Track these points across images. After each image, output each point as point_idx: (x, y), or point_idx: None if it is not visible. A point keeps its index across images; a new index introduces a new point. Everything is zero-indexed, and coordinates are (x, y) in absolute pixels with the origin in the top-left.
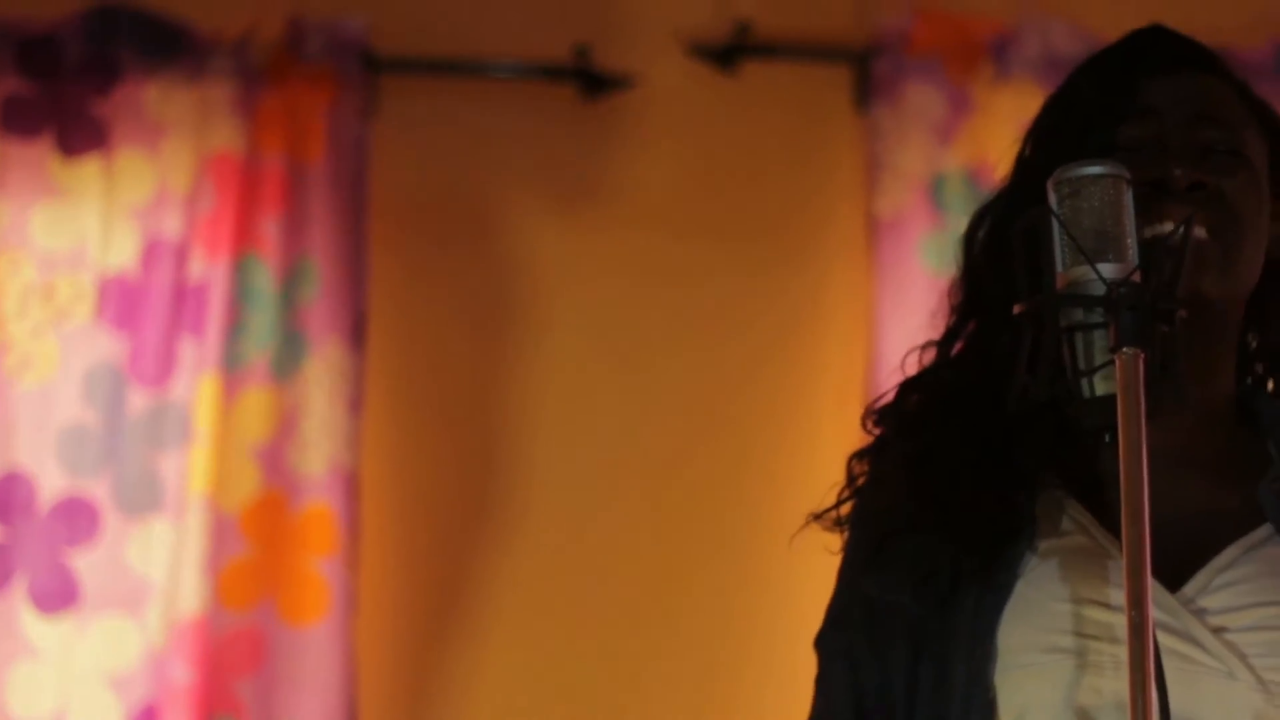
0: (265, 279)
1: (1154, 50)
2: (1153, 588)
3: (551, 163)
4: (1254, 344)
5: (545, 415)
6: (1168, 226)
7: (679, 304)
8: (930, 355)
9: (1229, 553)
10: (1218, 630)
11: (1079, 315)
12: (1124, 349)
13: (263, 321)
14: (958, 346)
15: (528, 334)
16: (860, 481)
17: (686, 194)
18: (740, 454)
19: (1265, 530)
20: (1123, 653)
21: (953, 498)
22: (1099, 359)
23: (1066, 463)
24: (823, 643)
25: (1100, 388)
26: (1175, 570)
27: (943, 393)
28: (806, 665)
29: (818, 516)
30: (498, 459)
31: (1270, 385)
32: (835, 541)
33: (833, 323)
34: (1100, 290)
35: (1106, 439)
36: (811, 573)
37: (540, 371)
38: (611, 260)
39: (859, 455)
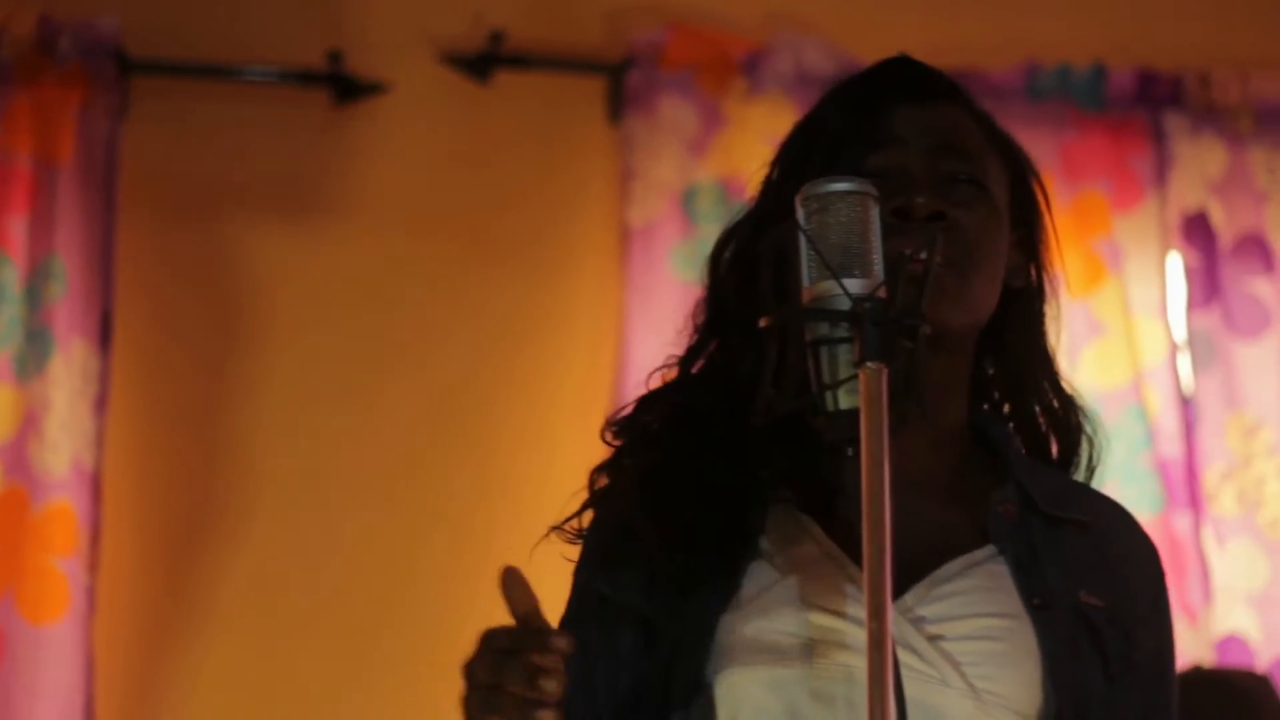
0: (11, 277)
1: (901, 80)
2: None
3: (302, 167)
4: (991, 370)
5: (283, 418)
6: (906, 251)
7: (426, 310)
8: (673, 372)
9: (950, 566)
10: (933, 638)
11: (824, 329)
12: (868, 363)
13: (7, 319)
14: (699, 364)
15: (271, 336)
16: (599, 493)
17: (437, 201)
18: (479, 461)
19: (988, 550)
20: (841, 657)
21: (685, 511)
22: (843, 373)
23: (803, 480)
24: None
25: (844, 401)
26: (898, 581)
27: (681, 408)
28: None
29: (557, 528)
30: (235, 460)
31: (1006, 410)
32: (575, 552)
33: (582, 330)
34: (846, 305)
35: (850, 453)
36: (550, 584)
37: (283, 374)
38: (360, 265)
39: (599, 469)
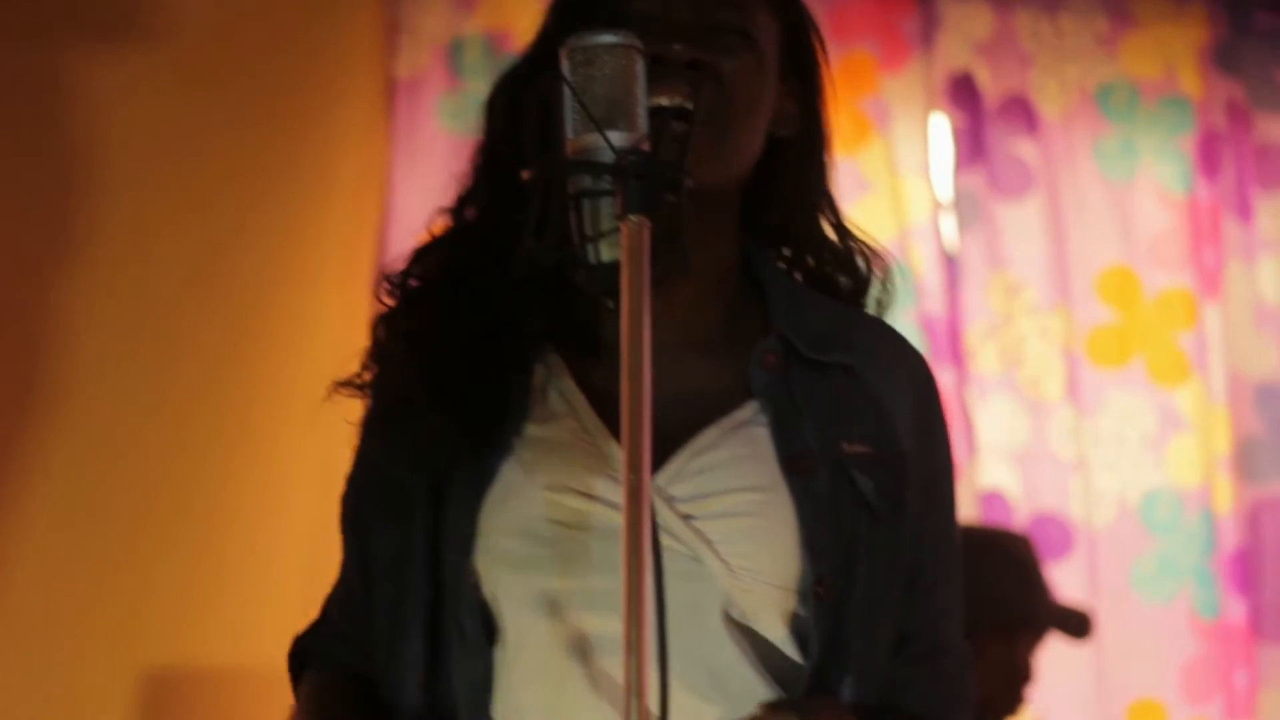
0: None
1: None
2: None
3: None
4: (764, 218)
5: (64, 288)
6: (664, 100)
7: (186, 161)
8: (445, 222)
9: (708, 434)
10: (686, 517)
11: (587, 182)
12: (630, 216)
13: None
14: (471, 214)
15: (50, 195)
16: (374, 352)
17: (200, 49)
18: (245, 318)
19: (750, 409)
20: (594, 542)
21: (451, 375)
22: (605, 226)
23: (569, 332)
24: (342, 510)
25: (606, 254)
26: (657, 453)
27: (453, 262)
28: (328, 535)
29: (341, 385)
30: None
31: (788, 254)
32: (356, 410)
33: (346, 182)
34: (609, 158)
35: (611, 305)
36: (326, 444)
37: (70, 235)
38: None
39: (383, 320)
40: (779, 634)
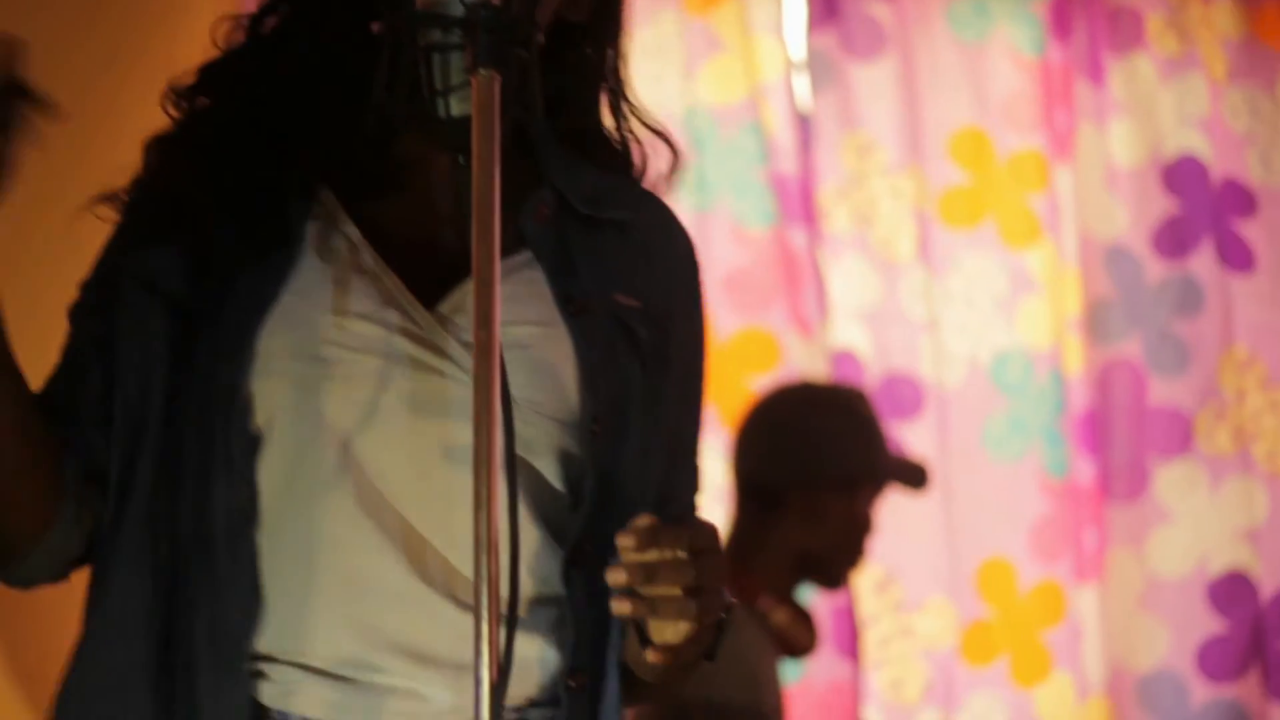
0: None
1: None
2: (408, 302)
3: None
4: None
5: None
6: None
7: None
8: (239, 35)
9: None
10: (468, 345)
11: (437, 35)
12: (480, 70)
13: None
14: (270, 23)
15: None
16: (154, 166)
17: None
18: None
19: (525, 256)
20: (376, 366)
21: (231, 194)
22: (456, 80)
23: (345, 169)
24: (76, 317)
25: (456, 109)
26: (435, 289)
27: (242, 81)
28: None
29: (106, 199)
30: None
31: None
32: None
33: None
34: (459, 11)
35: (461, 161)
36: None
37: None
38: None
39: (157, 141)
40: (554, 473)
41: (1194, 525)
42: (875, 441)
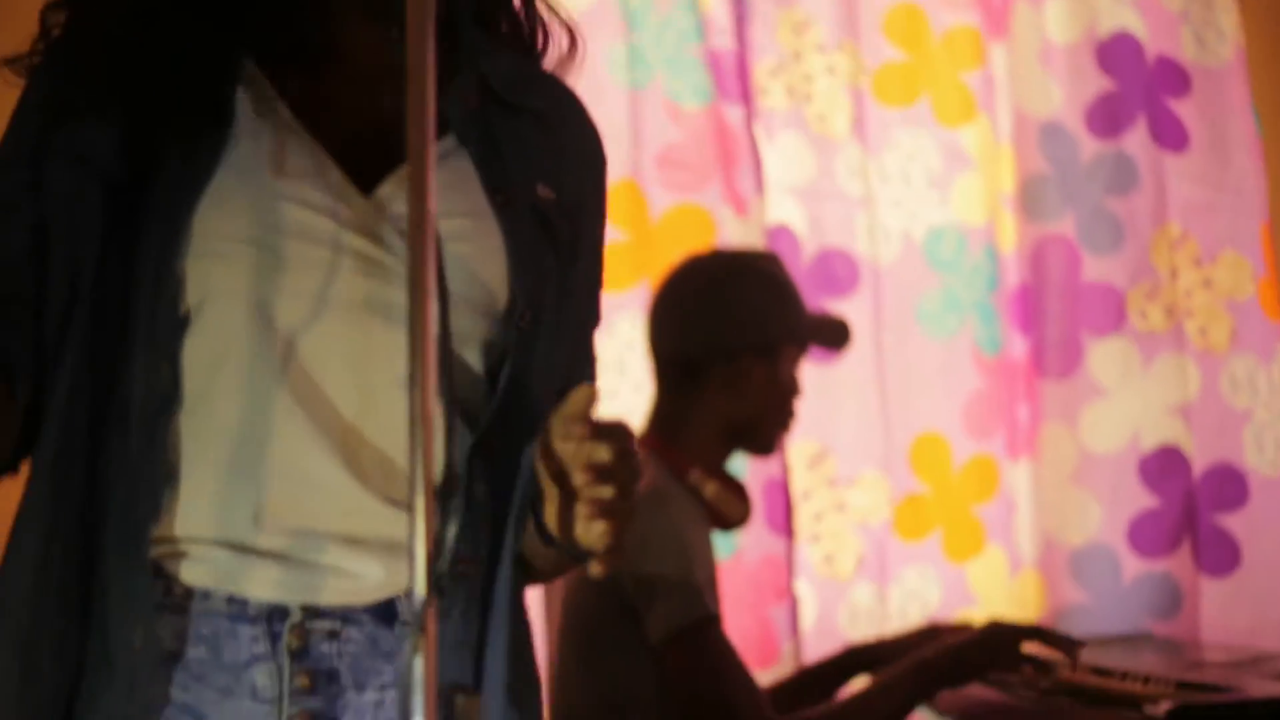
0: None
1: None
2: (346, 190)
3: None
4: None
5: None
6: None
7: None
8: None
9: None
10: (404, 232)
11: None
12: None
13: None
14: None
15: None
16: (56, 33)
17: None
18: None
19: (450, 142)
20: (314, 253)
21: (159, 68)
22: None
23: (267, 42)
24: None
25: None
26: (369, 177)
27: None
28: None
29: (10, 62)
30: None
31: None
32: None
33: None
34: None
35: (395, 33)
36: None
37: None
38: None
39: (56, 5)
40: (477, 362)
41: (1126, 401)
42: (792, 303)
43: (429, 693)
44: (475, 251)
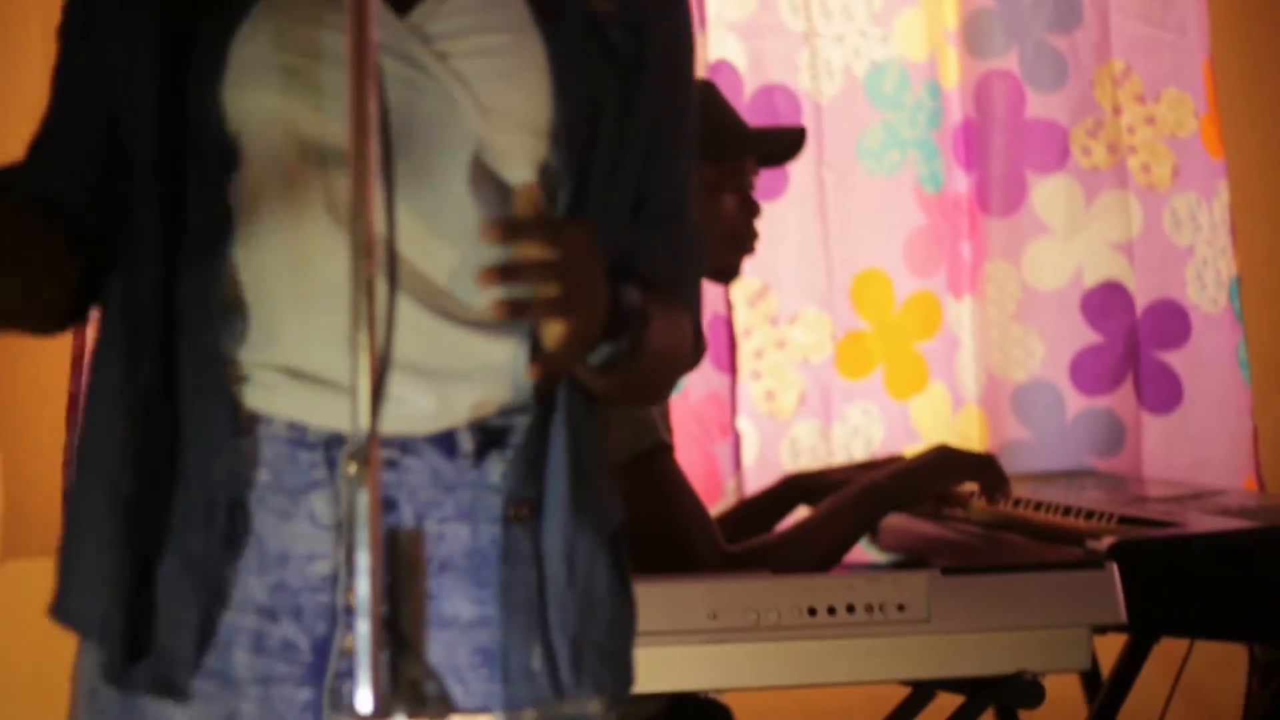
0: None
1: None
2: (379, 11)
3: None
4: None
5: None
6: None
7: None
8: None
9: None
10: (441, 56)
11: None
12: None
13: None
14: None
15: None
16: None
17: None
18: None
19: None
20: (335, 73)
21: None
22: None
23: None
24: (64, 38)
25: None
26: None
27: None
28: None
29: None
30: None
31: None
32: None
33: None
34: None
35: None
36: None
37: None
38: None
39: None
40: (530, 183)
41: (1069, 238)
42: (738, 120)
43: (373, 528)
44: (515, 65)
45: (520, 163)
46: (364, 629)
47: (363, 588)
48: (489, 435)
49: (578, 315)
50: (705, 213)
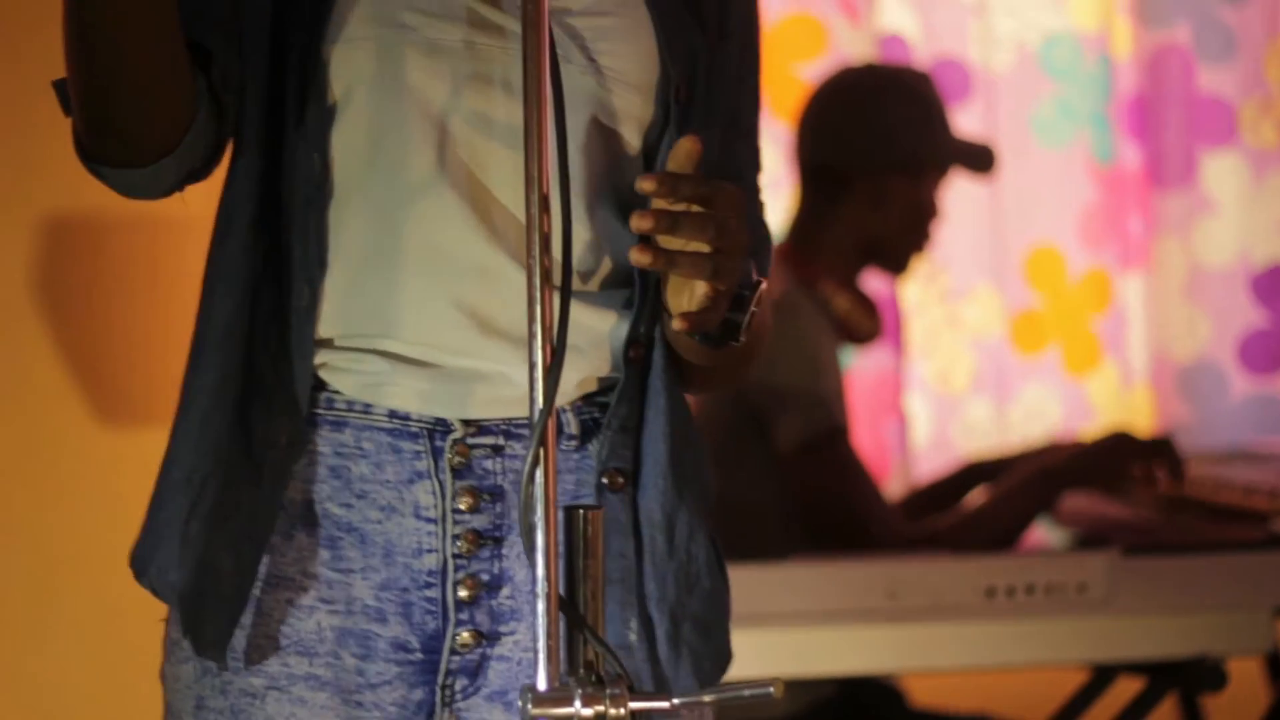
0: None
1: None
2: None
3: None
4: None
5: None
6: None
7: None
8: None
9: None
10: (555, 13)
11: None
12: None
13: None
14: None
15: None
16: None
17: None
18: None
19: None
20: (458, 32)
21: None
22: None
23: None
24: None
25: None
26: None
27: None
28: None
29: None
30: None
31: None
32: None
33: None
34: None
35: None
36: None
37: None
38: None
39: None
40: (635, 143)
41: (1237, 217)
42: (941, 124)
43: (549, 509)
44: (626, 25)
45: (630, 124)
46: (541, 609)
47: (540, 568)
48: (593, 418)
49: (727, 277)
50: (891, 210)
